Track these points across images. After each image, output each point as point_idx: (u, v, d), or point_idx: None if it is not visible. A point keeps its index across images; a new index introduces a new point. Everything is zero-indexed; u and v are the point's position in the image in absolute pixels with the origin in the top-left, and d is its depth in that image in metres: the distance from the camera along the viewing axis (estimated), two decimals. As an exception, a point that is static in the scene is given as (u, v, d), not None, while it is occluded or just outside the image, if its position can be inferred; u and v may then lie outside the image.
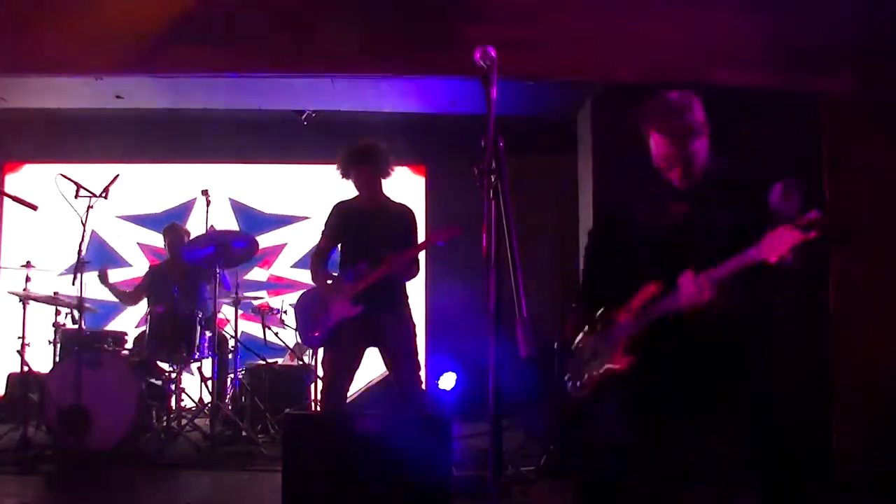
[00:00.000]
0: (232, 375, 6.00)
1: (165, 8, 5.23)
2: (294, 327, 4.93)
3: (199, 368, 5.87)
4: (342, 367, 4.30)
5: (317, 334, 4.40)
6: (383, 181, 4.43)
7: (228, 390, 6.11)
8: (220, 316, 5.86)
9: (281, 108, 6.66)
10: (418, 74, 5.53)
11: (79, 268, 4.78)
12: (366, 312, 4.24)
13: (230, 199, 7.54)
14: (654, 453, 2.86)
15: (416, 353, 4.39)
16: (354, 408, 5.51)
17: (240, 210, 7.56)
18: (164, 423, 5.42)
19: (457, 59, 5.01)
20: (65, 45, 5.20)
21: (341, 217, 4.48)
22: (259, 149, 7.37)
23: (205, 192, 5.84)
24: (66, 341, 5.56)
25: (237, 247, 5.61)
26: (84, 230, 4.71)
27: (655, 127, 2.77)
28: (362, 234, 4.35)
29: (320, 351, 5.38)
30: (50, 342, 5.54)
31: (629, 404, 2.84)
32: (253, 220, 7.50)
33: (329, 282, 4.44)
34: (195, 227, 6.50)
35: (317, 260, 4.53)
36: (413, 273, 4.44)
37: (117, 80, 5.69)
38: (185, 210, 7.42)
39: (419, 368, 4.36)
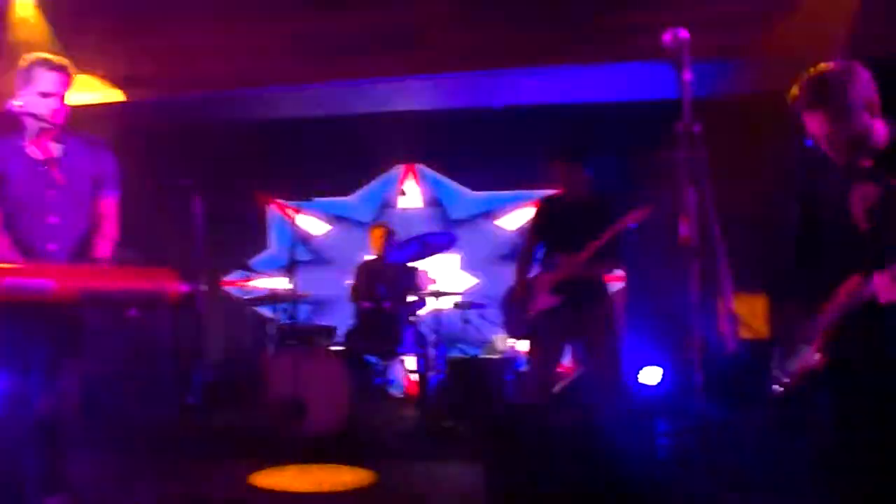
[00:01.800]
0: (436, 369, 6.16)
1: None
2: (500, 321, 5.01)
3: (404, 362, 6.06)
4: (545, 360, 4.36)
5: (520, 326, 4.48)
6: (587, 175, 4.42)
7: (432, 383, 6.28)
8: (422, 310, 6.05)
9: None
10: (603, 62, 5.48)
11: (291, 265, 5.13)
12: (565, 305, 4.28)
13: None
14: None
15: (618, 348, 4.35)
16: (557, 401, 5.50)
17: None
18: (371, 415, 5.63)
19: (641, 44, 4.92)
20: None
21: (546, 214, 4.56)
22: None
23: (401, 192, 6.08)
24: (281, 335, 5.88)
25: (436, 243, 5.84)
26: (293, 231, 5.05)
27: (807, 105, 2.50)
28: (565, 228, 4.39)
29: (524, 344, 5.44)
30: (266, 336, 5.92)
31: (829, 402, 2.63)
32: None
33: (531, 276, 4.52)
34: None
35: (522, 257, 4.64)
36: (610, 265, 4.43)
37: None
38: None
39: (620, 363, 4.32)
